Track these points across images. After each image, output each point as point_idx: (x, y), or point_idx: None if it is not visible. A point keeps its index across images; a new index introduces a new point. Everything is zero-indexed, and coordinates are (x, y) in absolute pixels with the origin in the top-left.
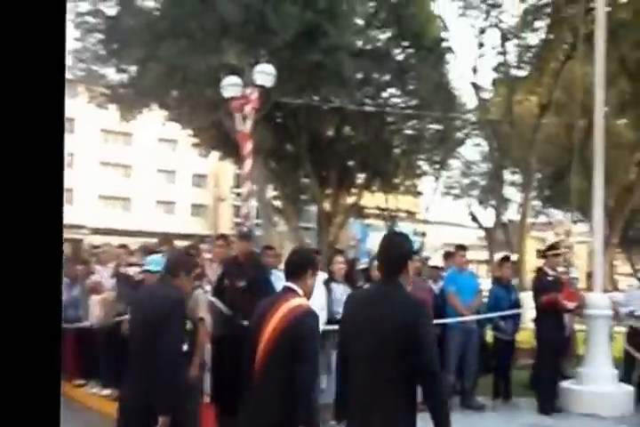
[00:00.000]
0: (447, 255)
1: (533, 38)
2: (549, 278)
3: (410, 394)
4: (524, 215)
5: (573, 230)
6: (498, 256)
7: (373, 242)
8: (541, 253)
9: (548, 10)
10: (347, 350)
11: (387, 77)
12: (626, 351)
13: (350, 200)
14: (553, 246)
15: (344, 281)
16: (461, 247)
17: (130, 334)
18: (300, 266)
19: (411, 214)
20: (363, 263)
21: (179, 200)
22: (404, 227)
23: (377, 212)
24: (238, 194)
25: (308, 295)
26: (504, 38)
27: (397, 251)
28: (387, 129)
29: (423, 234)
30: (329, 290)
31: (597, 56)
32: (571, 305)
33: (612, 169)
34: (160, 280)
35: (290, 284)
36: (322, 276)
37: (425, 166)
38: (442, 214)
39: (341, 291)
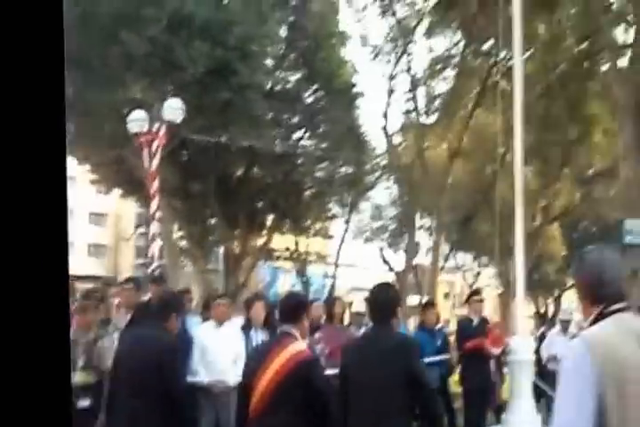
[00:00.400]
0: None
1: (443, 86)
2: (474, 324)
3: (408, 412)
4: (436, 259)
5: (481, 274)
6: (411, 300)
7: (283, 284)
8: (465, 299)
9: (456, 59)
10: (349, 385)
11: (297, 119)
12: (534, 386)
13: (259, 242)
14: (476, 292)
15: (263, 328)
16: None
17: (120, 377)
18: (296, 309)
19: (321, 257)
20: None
21: (75, 239)
22: (314, 269)
23: (287, 254)
24: (141, 234)
25: (304, 338)
26: (414, 85)
27: (388, 298)
28: (297, 171)
29: (332, 277)
30: (247, 337)
31: (515, 105)
32: (496, 351)
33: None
34: (151, 323)
35: (287, 328)
36: (238, 321)
37: (336, 209)
38: (352, 257)
39: (260, 339)
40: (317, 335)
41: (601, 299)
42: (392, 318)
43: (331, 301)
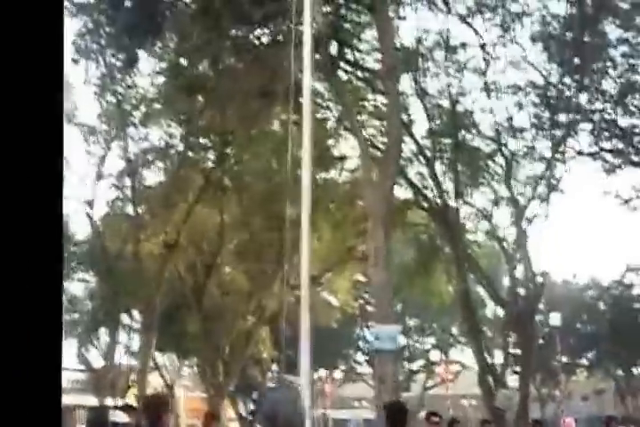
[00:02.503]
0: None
1: (158, 177)
2: None
3: None
4: (146, 359)
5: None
6: (109, 402)
7: None
8: None
9: (173, 151)
10: None
11: None
12: None
13: None
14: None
15: None
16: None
17: None
18: None
19: None
20: None
21: None
22: None
23: None
24: None
25: None
26: (126, 173)
27: None
28: None
29: None
30: None
31: (303, 207)
32: None
33: (229, 315)
34: None
35: None
36: None
37: None
38: None
39: None
40: None
41: None
42: None
43: None
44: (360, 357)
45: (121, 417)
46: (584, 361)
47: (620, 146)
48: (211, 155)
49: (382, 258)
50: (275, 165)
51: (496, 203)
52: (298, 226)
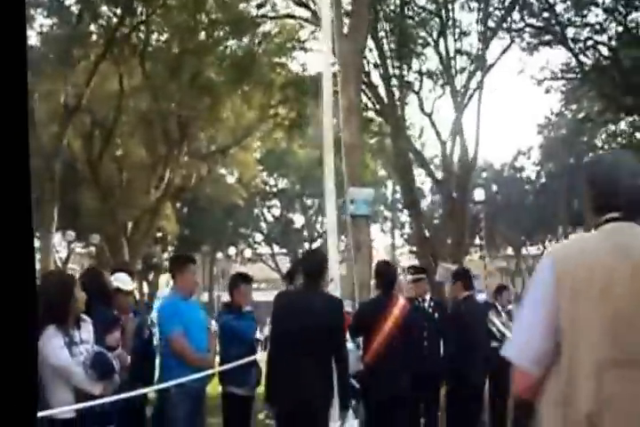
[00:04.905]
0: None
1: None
2: None
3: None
4: (47, 236)
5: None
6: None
7: None
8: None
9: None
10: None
11: None
12: None
13: None
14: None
15: None
16: (189, 259)
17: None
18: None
19: None
20: None
21: None
22: None
23: None
24: None
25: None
26: None
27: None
28: None
29: None
30: None
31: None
32: None
33: (131, 191)
34: (307, 288)
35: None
36: None
37: None
38: None
39: None
40: None
41: (608, 208)
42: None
43: None
44: (259, 237)
45: (124, 283)
46: (477, 241)
47: (543, 24)
48: (118, 10)
49: (355, 116)
50: (191, 23)
51: (428, 77)
52: (210, 93)
